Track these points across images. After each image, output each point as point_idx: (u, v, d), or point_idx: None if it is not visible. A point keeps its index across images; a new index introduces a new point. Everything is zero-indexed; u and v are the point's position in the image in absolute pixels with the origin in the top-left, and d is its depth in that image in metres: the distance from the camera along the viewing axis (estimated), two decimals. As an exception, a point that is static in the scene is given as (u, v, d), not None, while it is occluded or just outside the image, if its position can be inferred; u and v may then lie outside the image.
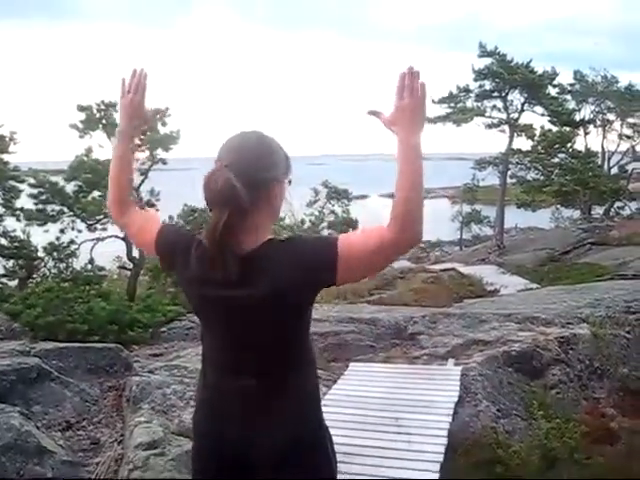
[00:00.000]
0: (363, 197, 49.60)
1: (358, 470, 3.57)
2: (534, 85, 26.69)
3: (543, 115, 28.07)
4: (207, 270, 1.62)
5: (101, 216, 14.50)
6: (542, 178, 29.01)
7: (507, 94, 27.67)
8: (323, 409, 1.82)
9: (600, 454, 4.24)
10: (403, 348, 6.37)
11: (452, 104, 28.00)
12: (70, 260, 16.16)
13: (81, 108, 15.98)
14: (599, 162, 31.08)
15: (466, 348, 6.05)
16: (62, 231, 16.03)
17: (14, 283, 15.07)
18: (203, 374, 1.83)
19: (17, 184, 15.86)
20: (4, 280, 15.21)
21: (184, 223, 18.49)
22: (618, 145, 32.26)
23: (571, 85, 30.33)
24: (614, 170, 31.85)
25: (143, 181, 16.03)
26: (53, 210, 15.77)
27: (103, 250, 16.12)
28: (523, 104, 27.85)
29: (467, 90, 28.01)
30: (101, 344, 5.07)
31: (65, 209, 15.72)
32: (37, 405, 3.93)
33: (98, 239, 15.45)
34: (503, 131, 28.11)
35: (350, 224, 25.85)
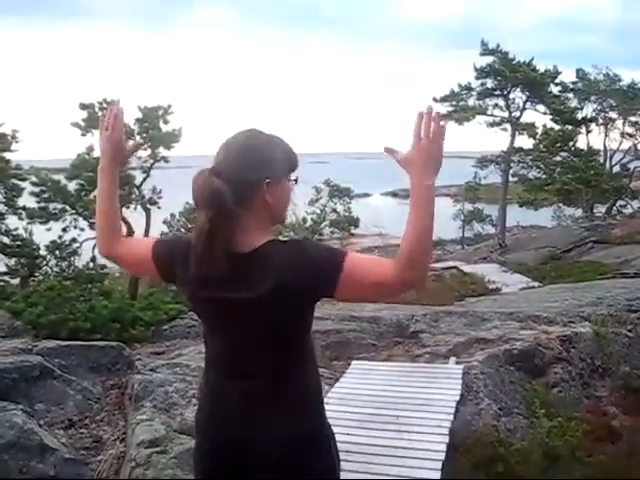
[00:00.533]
0: (365, 195, 49.65)
1: (359, 468, 3.57)
2: (536, 83, 26.66)
3: (545, 113, 28.10)
4: (203, 271, 1.63)
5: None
6: (544, 176, 29.01)
7: (509, 92, 27.66)
8: (325, 407, 1.82)
9: (602, 452, 4.24)
10: (405, 346, 6.37)
11: (454, 102, 28.00)
12: (72, 258, 16.18)
13: (83, 106, 15.99)
14: (601, 160, 31.08)
15: (468, 346, 6.05)
16: (64, 229, 16.04)
17: (16, 281, 15.10)
18: (205, 374, 1.84)
19: (19, 182, 15.88)
20: (6, 278, 15.23)
21: (185, 220, 18.49)
22: (620, 143, 32.30)
23: (573, 83, 30.29)
24: (616, 168, 31.84)
25: (145, 179, 16.05)
26: (55, 208, 15.79)
27: (105, 248, 16.12)
28: (525, 102, 27.85)
29: (469, 88, 28.00)
30: (103, 342, 5.06)
31: (67, 207, 15.74)
32: (39, 403, 3.94)
33: (100, 238, 15.44)
34: (505, 129, 28.14)
35: (352, 222, 25.84)
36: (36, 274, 15.61)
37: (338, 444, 1.82)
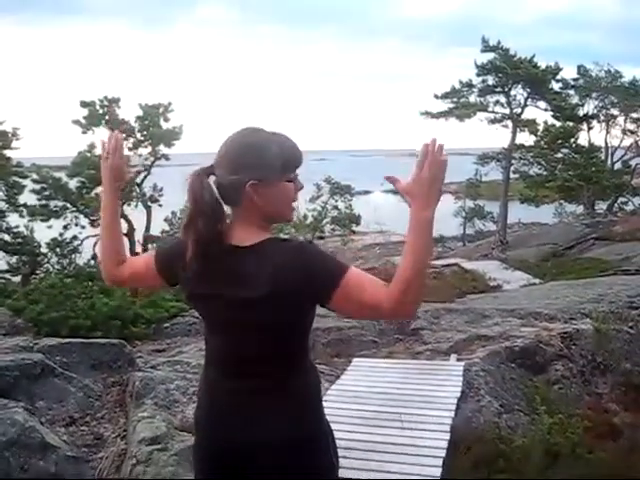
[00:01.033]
0: (366, 193, 49.60)
1: (360, 465, 3.58)
2: (537, 80, 26.63)
3: (546, 110, 28.04)
4: (193, 266, 1.65)
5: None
6: (545, 173, 29.01)
7: (510, 89, 27.62)
8: (326, 404, 1.82)
9: (602, 449, 4.24)
10: (406, 343, 6.38)
11: (455, 99, 27.97)
12: (73, 256, 16.22)
13: (84, 104, 16.01)
14: (602, 157, 31.04)
15: (469, 343, 6.05)
16: (65, 227, 16.07)
17: (17, 279, 15.13)
18: (205, 372, 1.85)
19: (20, 180, 15.91)
20: (7, 276, 15.27)
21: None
22: (622, 140, 32.23)
23: (574, 80, 30.22)
24: (617, 165, 31.77)
25: (146, 177, 16.08)
26: (56, 206, 15.82)
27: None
28: (526, 99, 27.82)
29: (470, 85, 27.96)
30: (104, 340, 5.07)
31: (68, 205, 15.77)
32: (41, 401, 3.94)
33: (101, 235, 15.46)
34: (506, 126, 28.11)
35: (353, 220, 25.84)
36: (37, 272, 15.64)
37: (339, 442, 1.82)
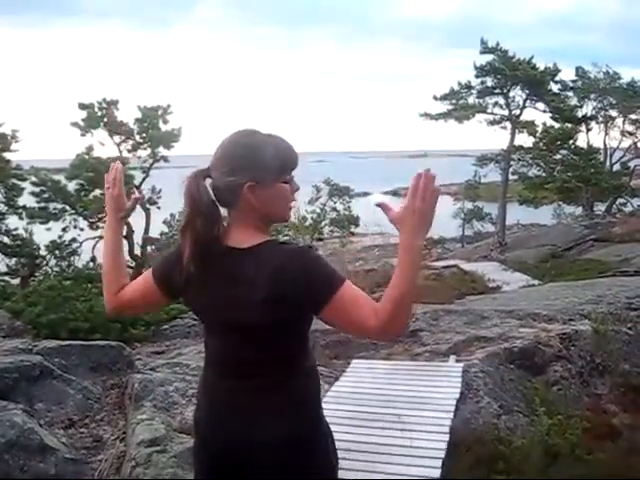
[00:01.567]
0: (365, 194, 49.65)
1: (359, 467, 3.58)
2: (536, 81, 26.66)
3: (545, 112, 28.09)
4: (190, 268, 1.66)
5: (103, 214, 14.53)
6: (544, 175, 29.06)
7: (509, 90, 27.65)
8: (325, 406, 1.83)
9: (601, 450, 4.24)
10: (405, 345, 6.37)
11: (454, 101, 27.99)
12: (72, 258, 16.22)
13: (82, 106, 16.01)
14: (601, 159, 31.07)
15: (468, 345, 6.05)
16: (64, 229, 16.07)
17: (16, 281, 15.12)
18: (204, 373, 1.85)
19: (19, 182, 15.91)
20: (6, 278, 15.27)
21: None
22: (620, 142, 32.25)
23: (573, 81, 30.24)
24: (616, 167, 31.80)
25: (144, 179, 16.08)
26: (55, 208, 15.83)
27: (105, 248, 16.13)
28: (525, 100, 27.84)
29: (469, 87, 27.99)
30: (103, 342, 5.06)
31: (67, 207, 15.77)
32: (40, 403, 3.94)
33: (100, 237, 15.47)
34: (505, 128, 28.15)
35: (352, 221, 25.86)
36: (36, 274, 15.64)
37: (338, 443, 1.82)
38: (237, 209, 1.69)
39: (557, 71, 27.83)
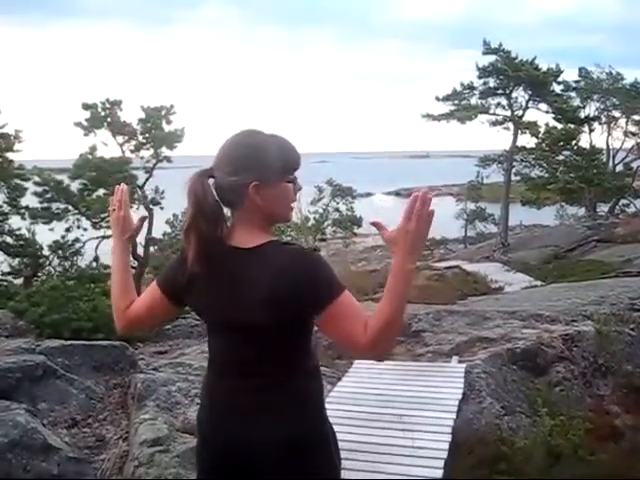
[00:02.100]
0: (368, 195, 49.65)
1: (362, 467, 3.58)
2: (538, 82, 26.61)
3: (547, 112, 28.02)
4: (194, 268, 1.66)
5: (106, 214, 14.53)
6: (547, 175, 28.99)
7: (511, 91, 27.59)
8: (327, 406, 1.83)
9: (604, 451, 4.24)
10: (407, 345, 6.37)
11: (456, 102, 27.94)
12: (75, 258, 16.22)
13: (86, 106, 16.00)
14: (604, 159, 30.99)
15: (470, 345, 6.05)
16: (67, 229, 16.08)
17: (19, 281, 15.14)
18: (207, 373, 1.85)
19: (22, 182, 15.91)
20: (9, 278, 15.28)
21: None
22: (623, 142, 32.14)
23: (576, 82, 30.17)
24: (619, 167, 31.70)
25: (147, 179, 16.07)
26: (58, 208, 15.82)
27: (108, 248, 16.09)
28: (527, 101, 27.79)
29: (471, 87, 27.95)
30: (106, 342, 5.07)
31: (70, 207, 15.77)
32: (43, 402, 3.95)
33: (103, 237, 15.50)
34: (507, 128, 28.06)
35: (354, 222, 25.84)
36: (39, 274, 15.65)
37: (340, 443, 1.82)
38: (241, 209, 1.69)
39: (560, 72, 27.78)
